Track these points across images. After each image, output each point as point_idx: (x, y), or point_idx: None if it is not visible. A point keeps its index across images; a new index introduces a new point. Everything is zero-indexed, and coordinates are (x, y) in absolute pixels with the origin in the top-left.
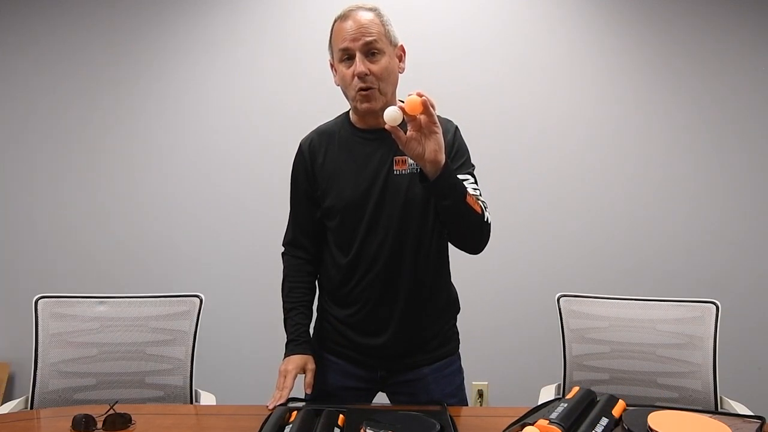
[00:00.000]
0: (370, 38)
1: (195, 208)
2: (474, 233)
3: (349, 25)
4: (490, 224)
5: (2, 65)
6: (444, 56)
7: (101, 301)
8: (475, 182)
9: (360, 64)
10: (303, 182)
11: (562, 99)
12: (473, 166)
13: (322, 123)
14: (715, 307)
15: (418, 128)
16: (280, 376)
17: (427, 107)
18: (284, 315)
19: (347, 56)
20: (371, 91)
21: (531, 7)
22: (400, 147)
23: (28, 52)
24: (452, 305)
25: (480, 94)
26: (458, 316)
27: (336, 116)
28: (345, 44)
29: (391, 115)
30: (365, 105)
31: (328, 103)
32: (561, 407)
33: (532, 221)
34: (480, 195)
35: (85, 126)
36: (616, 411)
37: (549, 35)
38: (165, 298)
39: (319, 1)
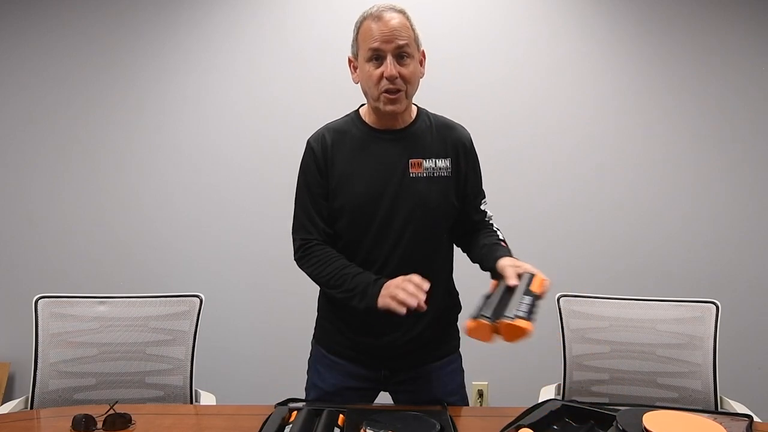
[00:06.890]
0: (402, 42)
1: (195, 208)
2: None
3: (381, 26)
4: None
5: (2, 65)
6: (445, 56)
7: (101, 301)
8: (485, 198)
9: (391, 67)
10: (315, 179)
11: (562, 99)
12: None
13: (328, 121)
14: (715, 307)
15: None
16: (405, 282)
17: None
18: (339, 288)
19: (376, 56)
20: (399, 94)
21: (533, 6)
22: None
23: (27, 53)
24: (454, 305)
25: (478, 94)
26: (458, 315)
27: (343, 115)
28: (376, 44)
29: None
30: (390, 107)
31: (330, 103)
32: (482, 302)
33: (531, 221)
34: (488, 212)
35: (85, 126)
36: (536, 287)
37: (551, 35)
38: (165, 298)
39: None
